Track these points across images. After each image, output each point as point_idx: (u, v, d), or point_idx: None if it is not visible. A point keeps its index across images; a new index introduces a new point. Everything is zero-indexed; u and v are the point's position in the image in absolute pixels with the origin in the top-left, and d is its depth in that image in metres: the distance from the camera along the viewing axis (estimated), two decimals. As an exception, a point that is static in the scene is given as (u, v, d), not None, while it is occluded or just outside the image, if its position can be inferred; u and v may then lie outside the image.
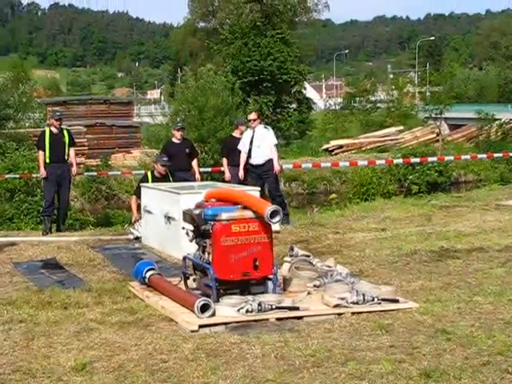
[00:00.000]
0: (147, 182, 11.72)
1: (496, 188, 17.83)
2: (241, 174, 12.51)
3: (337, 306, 6.72)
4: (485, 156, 22.99)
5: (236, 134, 13.57)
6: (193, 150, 13.05)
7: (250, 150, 12.51)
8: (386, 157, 27.55)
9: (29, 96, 31.34)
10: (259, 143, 12.46)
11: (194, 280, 7.34)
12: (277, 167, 12.50)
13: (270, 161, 12.42)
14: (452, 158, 22.20)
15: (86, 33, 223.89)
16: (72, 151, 12.49)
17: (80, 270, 8.92)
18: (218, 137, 22.23)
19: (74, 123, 29.28)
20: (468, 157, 22.49)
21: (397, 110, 43.25)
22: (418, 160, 22.12)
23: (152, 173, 12.00)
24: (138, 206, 11.46)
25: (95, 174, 22.14)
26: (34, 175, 16.62)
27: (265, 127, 12.87)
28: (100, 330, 6.22)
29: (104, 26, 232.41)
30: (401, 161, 22.43)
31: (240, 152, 12.61)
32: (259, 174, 12.41)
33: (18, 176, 17.49)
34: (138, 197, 11.46)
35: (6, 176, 17.58)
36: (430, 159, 22.16)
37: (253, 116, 12.75)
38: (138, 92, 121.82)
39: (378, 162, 21.47)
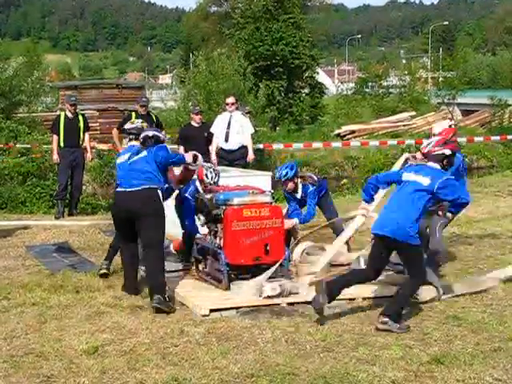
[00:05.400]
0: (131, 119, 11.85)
1: (509, 174, 17.74)
2: (213, 158, 11.86)
3: (348, 291, 6.72)
4: (498, 138, 22.83)
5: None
6: (211, 135, 12.44)
7: (226, 134, 12.16)
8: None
9: (41, 80, 31.33)
10: (237, 129, 12.17)
11: (205, 266, 7.32)
12: (251, 156, 12.23)
13: (243, 148, 12.18)
14: (464, 139, 22.00)
15: (98, 17, 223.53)
16: (87, 136, 12.48)
17: (92, 254, 8.97)
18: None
19: (87, 107, 29.26)
20: (481, 139, 22.30)
21: (409, 95, 42.92)
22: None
23: (136, 111, 12.29)
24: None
25: (106, 153, 22.00)
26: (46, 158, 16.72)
27: (242, 114, 12.56)
28: (111, 314, 6.26)
29: (116, 11, 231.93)
30: (412, 142, 22.30)
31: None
32: (230, 160, 12.00)
33: (31, 157, 17.46)
34: (120, 131, 11.52)
35: (21, 159, 17.61)
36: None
37: (231, 100, 12.40)
38: (150, 76, 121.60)
39: (389, 142, 21.52)
